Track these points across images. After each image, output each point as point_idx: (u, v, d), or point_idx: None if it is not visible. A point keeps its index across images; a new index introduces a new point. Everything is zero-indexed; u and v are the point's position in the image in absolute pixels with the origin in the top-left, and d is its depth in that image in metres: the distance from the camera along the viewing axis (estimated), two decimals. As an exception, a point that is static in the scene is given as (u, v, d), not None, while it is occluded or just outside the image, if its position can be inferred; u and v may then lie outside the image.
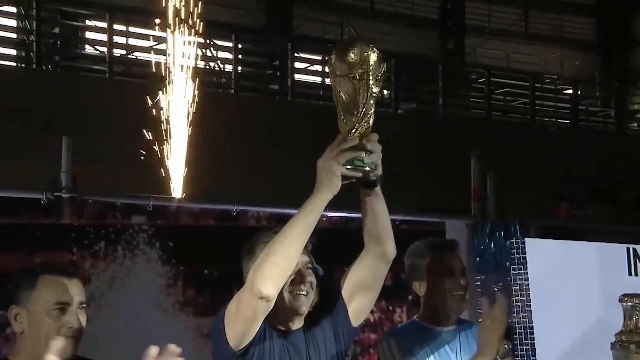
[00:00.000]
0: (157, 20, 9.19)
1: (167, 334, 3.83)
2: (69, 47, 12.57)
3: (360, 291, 2.71)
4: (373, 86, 2.35)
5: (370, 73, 2.34)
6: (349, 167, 2.37)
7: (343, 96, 2.38)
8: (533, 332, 4.42)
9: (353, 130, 2.38)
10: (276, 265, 2.40)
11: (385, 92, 13.94)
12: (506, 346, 3.12)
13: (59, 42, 12.37)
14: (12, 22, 11.78)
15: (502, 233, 4.60)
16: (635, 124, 17.26)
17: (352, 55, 2.34)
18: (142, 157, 7.99)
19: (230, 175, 7.87)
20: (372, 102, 2.37)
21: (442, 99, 14.14)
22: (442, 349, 3.25)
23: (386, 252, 2.64)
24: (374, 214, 2.58)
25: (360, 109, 2.36)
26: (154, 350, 2.36)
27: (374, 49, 2.36)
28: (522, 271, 4.51)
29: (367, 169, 2.39)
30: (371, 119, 2.39)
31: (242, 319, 2.47)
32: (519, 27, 18.10)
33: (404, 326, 3.52)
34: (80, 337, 2.55)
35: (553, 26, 18.36)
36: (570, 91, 16.39)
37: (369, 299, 2.74)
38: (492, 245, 4.58)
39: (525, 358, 4.26)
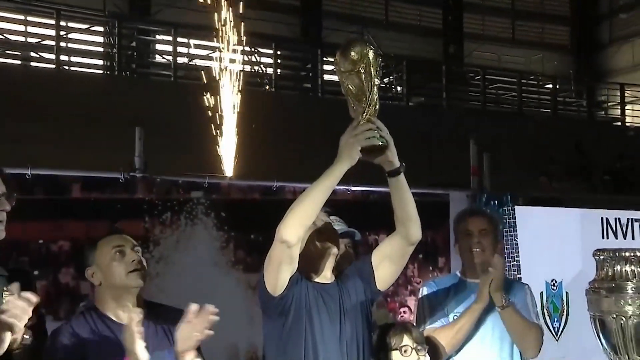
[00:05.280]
0: (213, 34, 9.16)
1: (222, 287, 3.81)
2: (142, 57, 12.63)
3: (385, 262, 2.63)
4: (375, 77, 2.32)
5: (371, 66, 2.31)
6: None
7: (351, 88, 2.35)
8: (522, 283, 4.34)
9: (364, 114, 2.35)
10: (296, 217, 2.38)
11: (399, 88, 13.88)
12: (504, 300, 3.04)
13: (135, 54, 12.42)
14: (100, 39, 11.90)
15: (496, 202, 4.51)
16: (603, 112, 17.07)
17: (353, 54, 2.31)
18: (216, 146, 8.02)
19: (271, 158, 7.83)
20: (375, 89, 2.34)
21: (445, 93, 14.05)
22: (468, 297, 3.13)
23: (409, 235, 2.54)
24: (399, 201, 2.52)
25: (367, 96, 2.34)
26: (194, 307, 2.34)
27: (370, 47, 2.34)
28: (513, 233, 4.43)
29: (380, 143, 2.36)
30: (377, 104, 2.36)
31: (273, 264, 2.44)
32: (507, 34, 18.03)
33: (442, 278, 3.41)
34: (145, 270, 2.55)
35: (535, 33, 18.34)
36: (550, 86, 16.25)
37: (391, 271, 2.65)
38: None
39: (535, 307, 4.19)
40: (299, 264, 2.50)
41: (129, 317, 2.27)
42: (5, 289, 2.03)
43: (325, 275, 2.61)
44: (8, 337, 2.01)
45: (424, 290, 3.21)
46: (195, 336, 2.31)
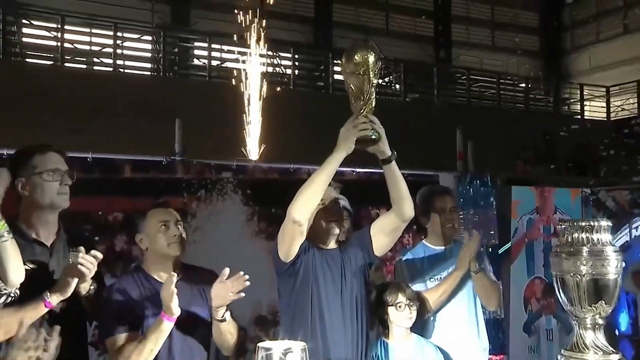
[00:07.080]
0: (241, 41, 9.13)
1: (247, 252, 3.80)
2: (182, 61, 12.62)
3: (381, 234, 2.59)
4: (373, 79, 2.26)
5: (370, 69, 2.25)
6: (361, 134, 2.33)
7: (352, 87, 2.30)
8: (498, 250, 4.31)
9: (361, 110, 2.30)
10: (305, 199, 2.34)
11: (397, 86, 13.79)
12: (477, 265, 3.04)
13: (177, 58, 12.42)
14: (148, 46, 11.95)
15: (478, 182, 4.47)
16: (566, 108, 16.97)
17: (356, 57, 2.26)
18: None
19: (289, 144, 7.77)
20: (373, 89, 2.28)
21: (436, 91, 13.94)
22: (438, 261, 3.14)
23: (402, 213, 2.50)
24: (392, 184, 2.47)
25: (365, 95, 2.29)
26: (226, 270, 2.34)
27: (372, 52, 2.28)
28: (492, 209, 4.39)
29: (374, 137, 2.32)
30: (374, 102, 2.31)
31: (285, 239, 2.43)
32: (488, 41, 17.89)
33: (413, 247, 3.36)
34: (184, 243, 2.53)
35: (511, 41, 18.14)
36: (523, 85, 16.11)
37: (386, 242, 2.62)
38: (471, 191, 4.46)
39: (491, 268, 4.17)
40: (308, 234, 2.47)
41: (167, 278, 2.28)
42: (74, 249, 2.19)
43: (330, 244, 2.60)
44: (74, 282, 2.17)
45: (402, 258, 3.19)
46: (230, 296, 2.30)
